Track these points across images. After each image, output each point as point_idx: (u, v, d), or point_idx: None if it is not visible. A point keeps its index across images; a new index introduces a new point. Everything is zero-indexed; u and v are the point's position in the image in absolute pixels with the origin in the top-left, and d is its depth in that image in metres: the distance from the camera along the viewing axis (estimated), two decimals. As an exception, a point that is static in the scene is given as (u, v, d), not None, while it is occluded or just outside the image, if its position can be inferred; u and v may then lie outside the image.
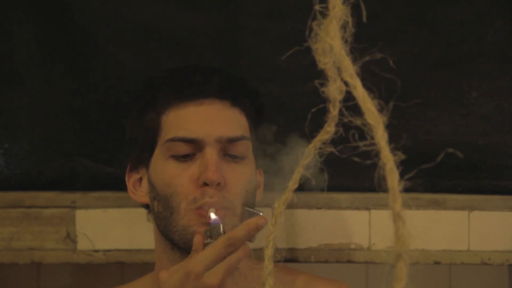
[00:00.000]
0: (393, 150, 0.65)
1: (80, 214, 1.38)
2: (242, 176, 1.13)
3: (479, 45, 1.43)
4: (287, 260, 1.37)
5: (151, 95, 1.18)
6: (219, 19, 1.43)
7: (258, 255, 1.20)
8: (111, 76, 1.44)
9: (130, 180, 1.21)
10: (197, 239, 1.04)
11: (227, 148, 1.13)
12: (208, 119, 1.13)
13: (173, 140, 1.12)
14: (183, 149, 1.12)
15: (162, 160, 1.13)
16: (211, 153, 1.10)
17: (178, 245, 1.12)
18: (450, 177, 1.42)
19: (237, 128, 1.14)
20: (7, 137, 1.43)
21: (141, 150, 1.18)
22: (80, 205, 1.38)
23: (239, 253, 1.00)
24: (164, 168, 1.13)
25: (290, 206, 1.30)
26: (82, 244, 1.37)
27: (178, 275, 1.01)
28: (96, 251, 1.38)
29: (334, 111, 0.68)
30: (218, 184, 1.09)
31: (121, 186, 1.41)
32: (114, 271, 1.62)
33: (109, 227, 1.38)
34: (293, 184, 0.79)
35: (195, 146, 1.11)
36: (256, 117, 1.20)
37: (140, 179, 1.20)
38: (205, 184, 1.09)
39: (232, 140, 1.13)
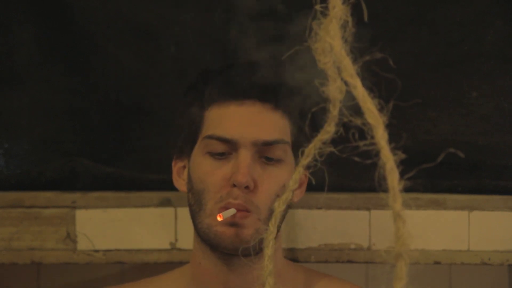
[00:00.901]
0: (393, 149, 0.65)
1: (80, 214, 1.38)
2: (275, 180, 1.13)
3: (479, 45, 1.43)
4: (287, 260, 1.37)
5: (199, 88, 1.19)
6: (219, 19, 1.43)
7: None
8: (111, 76, 1.44)
9: (176, 166, 1.22)
10: None
11: (262, 151, 1.13)
12: (246, 121, 1.13)
13: (210, 137, 1.14)
14: (219, 147, 1.13)
15: (200, 155, 1.15)
16: (244, 155, 1.11)
17: (204, 240, 1.14)
18: (450, 177, 1.42)
19: (275, 131, 1.14)
20: (7, 137, 1.43)
21: (185, 140, 1.19)
22: (80, 205, 1.38)
23: None
24: (200, 164, 1.14)
25: (290, 206, 1.31)
26: (82, 244, 1.38)
27: None
28: (96, 251, 1.38)
29: (334, 111, 0.68)
30: (247, 187, 1.10)
31: (121, 186, 1.42)
32: (114, 271, 1.61)
33: (109, 227, 1.38)
34: (293, 184, 0.79)
35: (231, 146, 1.12)
36: (302, 119, 1.19)
37: (184, 167, 1.21)
38: (234, 185, 1.10)
39: (268, 143, 1.13)
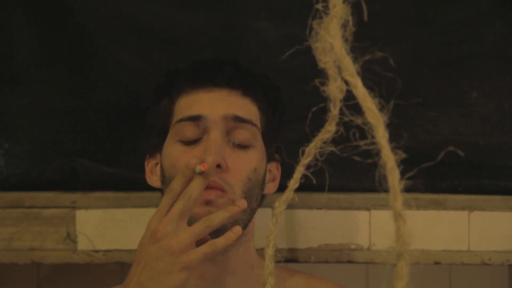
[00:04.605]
0: (394, 149, 0.65)
1: (80, 214, 1.38)
2: (246, 162, 1.14)
3: (479, 45, 1.43)
4: (287, 260, 1.37)
5: (167, 83, 1.22)
6: (219, 19, 1.43)
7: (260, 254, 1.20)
8: (111, 76, 1.44)
9: (148, 165, 1.24)
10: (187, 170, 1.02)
11: (232, 131, 1.14)
12: (216, 101, 1.15)
13: (180, 120, 1.15)
14: (190, 131, 1.13)
15: (171, 143, 1.16)
16: (214, 135, 1.11)
17: None
18: (450, 177, 1.42)
19: (245, 112, 1.16)
20: (7, 137, 1.43)
21: (156, 136, 1.20)
22: (80, 205, 1.38)
23: (226, 236, 1.01)
24: (171, 151, 1.15)
25: (291, 206, 1.31)
26: (82, 244, 1.37)
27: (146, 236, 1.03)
28: (96, 251, 1.38)
29: (334, 110, 0.69)
30: (219, 165, 1.09)
31: (121, 186, 1.42)
32: (114, 271, 1.62)
33: (109, 227, 1.38)
34: (294, 183, 0.79)
35: (201, 126, 1.13)
36: (271, 110, 1.21)
37: (157, 164, 1.22)
38: None
39: (239, 120, 1.14)
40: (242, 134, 1.14)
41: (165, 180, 1.15)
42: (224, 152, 1.11)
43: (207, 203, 1.09)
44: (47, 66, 1.44)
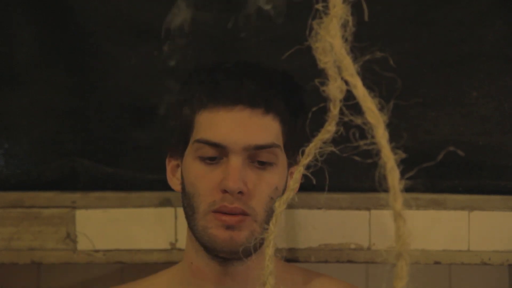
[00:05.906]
0: (394, 149, 0.65)
1: (80, 214, 1.38)
2: (267, 183, 1.13)
3: (479, 45, 1.43)
4: (287, 260, 1.37)
5: (190, 90, 1.19)
6: (219, 19, 1.43)
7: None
8: (111, 76, 1.44)
9: (169, 164, 1.23)
10: None
11: (254, 155, 1.13)
12: (236, 126, 1.12)
13: (199, 141, 1.13)
14: (209, 151, 1.13)
15: (191, 158, 1.15)
16: (235, 161, 1.11)
17: (199, 242, 1.14)
18: (450, 177, 1.42)
19: (266, 135, 1.13)
20: (7, 137, 1.43)
21: (177, 140, 1.19)
22: (80, 205, 1.38)
23: None
24: (191, 167, 1.14)
25: (291, 206, 1.31)
26: (82, 244, 1.37)
27: None
28: (96, 251, 1.38)
29: (334, 110, 0.68)
30: (240, 192, 1.10)
31: (121, 186, 1.42)
32: (114, 271, 1.62)
33: (109, 227, 1.38)
34: (294, 183, 0.79)
35: (221, 151, 1.12)
36: (293, 118, 1.18)
37: (178, 166, 1.21)
38: (225, 191, 1.10)
39: (259, 148, 1.12)
40: (263, 157, 1.13)
41: (186, 193, 1.15)
42: (244, 175, 1.11)
43: (228, 227, 1.10)
44: (47, 66, 1.44)
